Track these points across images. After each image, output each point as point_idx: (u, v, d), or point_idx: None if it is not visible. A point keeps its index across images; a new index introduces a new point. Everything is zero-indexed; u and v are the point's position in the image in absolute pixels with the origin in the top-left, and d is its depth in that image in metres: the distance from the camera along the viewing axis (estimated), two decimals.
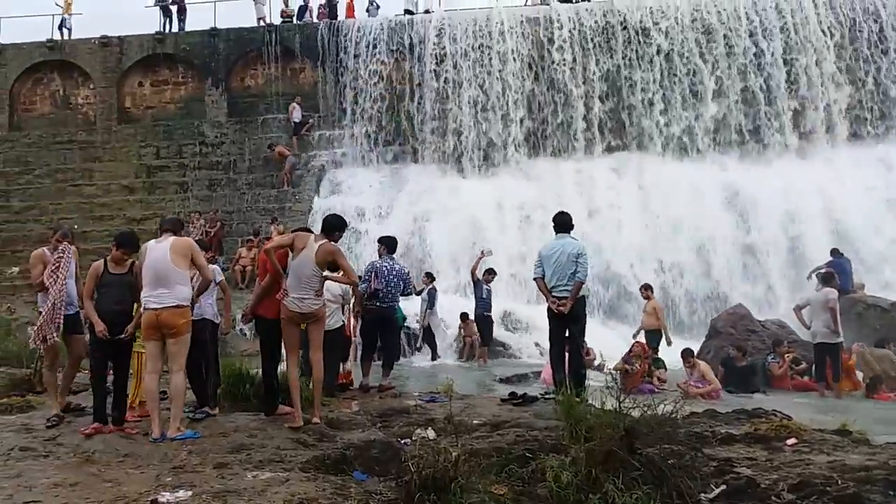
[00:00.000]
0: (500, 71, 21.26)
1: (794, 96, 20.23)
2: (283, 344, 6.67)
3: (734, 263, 17.53)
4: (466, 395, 8.17)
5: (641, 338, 12.23)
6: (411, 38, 21.98)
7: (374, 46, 22.04)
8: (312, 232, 6.94)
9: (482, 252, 14.46)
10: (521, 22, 21.68)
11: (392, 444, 5.49)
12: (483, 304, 13.94)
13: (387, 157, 21.37)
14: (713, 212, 18.33)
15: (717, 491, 4.46)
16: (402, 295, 9.11)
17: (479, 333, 14.11)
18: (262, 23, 23.32)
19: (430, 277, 14.80)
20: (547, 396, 7.50)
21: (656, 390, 9.78)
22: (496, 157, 20.87)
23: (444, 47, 21.64)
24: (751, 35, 20.63)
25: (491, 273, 14.20)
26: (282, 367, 6.82)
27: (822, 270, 12.98)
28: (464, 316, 14.59)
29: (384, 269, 8.81)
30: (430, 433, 5.95)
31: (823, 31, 20.48)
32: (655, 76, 20.68)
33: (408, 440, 5.82)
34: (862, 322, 13.00)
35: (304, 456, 5.31)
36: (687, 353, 10.88)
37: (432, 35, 21.79)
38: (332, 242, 6.66)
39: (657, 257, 17.71)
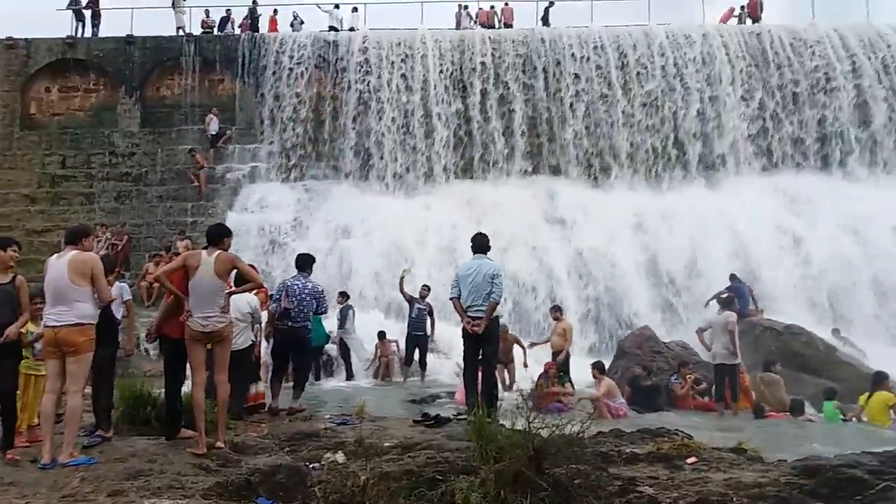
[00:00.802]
0: (422, 91, 21.46)
1: (704, 125, 21.29)
2: (188, 364, 6.44)
3: (639, 287, 18.08)
4: (379, 417, 8.09)
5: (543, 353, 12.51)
6: (335, 55, 21.94)
7: (297, 61, 21.86)
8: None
9: (403, 270, 14.45)
10: (446, 43, 22.01)
11: (299, 468, 5.36)
12: (413, 323, 13.86)
13: (305, 172, 21.13)
14: (624, 236, 18.95)
15: None
16: (315, 314, 8.96)
17: (405, 353, 14.03)
18: (181, 32, 22.76)
19: (343, 296, 14.67)
20: (459, 417, 7.52)
21: (565, 409, 10.00)
22: (417, 175, 21.01)
23: (367, 65, 21.68)
24: (663, 68, 21.64)
25: (426, 289, 14.23)
26: (187, 387, 6.57)
27: (724, 295, 13.61)
28: (381, 335, 14.49)
29: (295, 287, 8.64)
30: (340, 457, 5.85)
31: (733, 64, 21.70)
32: (573, 103, 21.37)
33: (316, 464, 5.69)
34: (758, 344, 13.67)
35: (206, 482, 5.11)
36: (598, 367, 11.16)
37: (356, 52, 21.81)
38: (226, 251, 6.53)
39: (573, 281, 18.13)
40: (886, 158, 20.85)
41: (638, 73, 21.63)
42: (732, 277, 15.71)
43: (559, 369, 11.71)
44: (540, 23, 23.68)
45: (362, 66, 21.68)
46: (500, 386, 9.38)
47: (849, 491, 4.75)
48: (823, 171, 20.84)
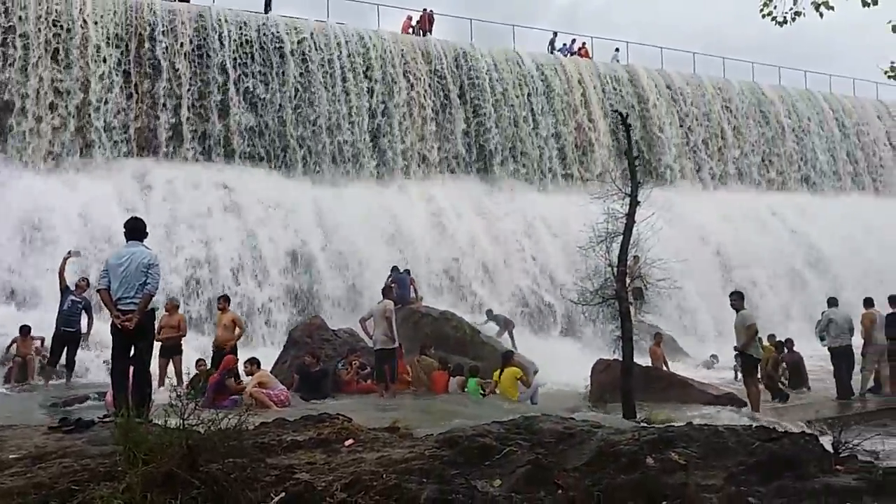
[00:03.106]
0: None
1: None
2: None
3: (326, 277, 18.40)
4: (4, 427, 6.97)
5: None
6: None
7: None
8: None
9: (69, 252, 12.60)
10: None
11: None
12: (63, 317, 12.09)
13: None
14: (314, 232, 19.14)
15: (276, 499, 4.55)
16: None
17: (51, 352, 12.24)
18: None
19: None
20: (106, 420, 6.83)
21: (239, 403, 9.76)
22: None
23: None
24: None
25: (84, 281, 12.48)
26: None
27: (391, 284, 14.59)
28: (24, 330, 12.52)
29: None
30: None
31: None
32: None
33: None
34: (417, 329, 14.85)
35: None
36: (252, 361, 11.07)
37: None
38: None
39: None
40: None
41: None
42: (394, 269, 16.80)
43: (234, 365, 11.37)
44: None
45: None
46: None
47: (481, 457, 5.36)
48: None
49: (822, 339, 13.32)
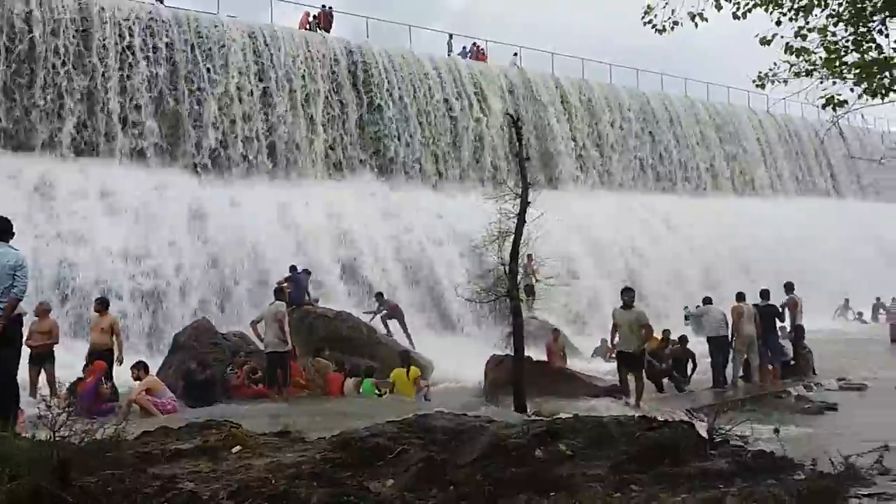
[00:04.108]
0: None
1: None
2: None
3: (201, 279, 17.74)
4: None
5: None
6: None
7: None
8: None
9: None
10: None
11: None
12: None
13: None
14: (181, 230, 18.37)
15: None
16: None
17: None
18: None
19: None
20: None
21: (117, 410, 9.31)
22: None
23: None
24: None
25: None
26: None
27: (284, 284, 14.23)
28: None
29: None
30: None
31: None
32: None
33: None
34: (312, 331, 14.60)
35: None
36: (140, 366, 10.56)
37: None
38: None
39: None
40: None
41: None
42: (292, 268, 16.39)
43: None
44: None
45: None
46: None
47: (373, 458, 5.32)
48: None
49: (695, 331, 14.12)
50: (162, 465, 5.29)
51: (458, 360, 15.84)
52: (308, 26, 25.13)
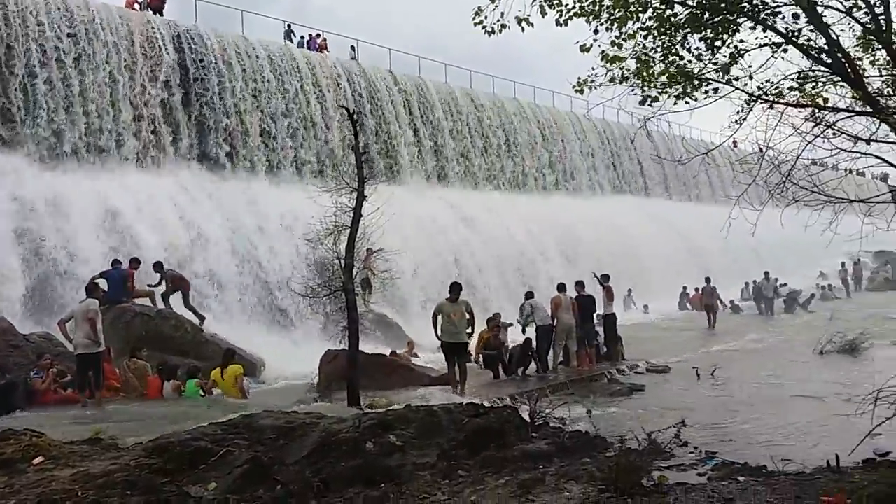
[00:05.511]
0: None
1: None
2: None
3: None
4: None
5: None
6: None
7: None
8: None
9: None
10: None
11: None
12: None
13: None
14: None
15: None
16: None
17: None
18: None
19: None
20: None
21: None
22: None
23: None
24: None
25: None
26: None
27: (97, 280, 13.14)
28: None
29: None
30: None
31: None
32: None
33: None
34: (130, 330, 13.59)
35: None
36: None
37: None
38: None
39: None
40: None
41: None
42: (115, 262, 14.88)
43: None
44: None
45: None
46: None
47: (195, 462, 5.06)
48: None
49: (525, 324, 14.85)
50: None
51: (293, 356, 15.52)
52: (139, 5, 23.35)
